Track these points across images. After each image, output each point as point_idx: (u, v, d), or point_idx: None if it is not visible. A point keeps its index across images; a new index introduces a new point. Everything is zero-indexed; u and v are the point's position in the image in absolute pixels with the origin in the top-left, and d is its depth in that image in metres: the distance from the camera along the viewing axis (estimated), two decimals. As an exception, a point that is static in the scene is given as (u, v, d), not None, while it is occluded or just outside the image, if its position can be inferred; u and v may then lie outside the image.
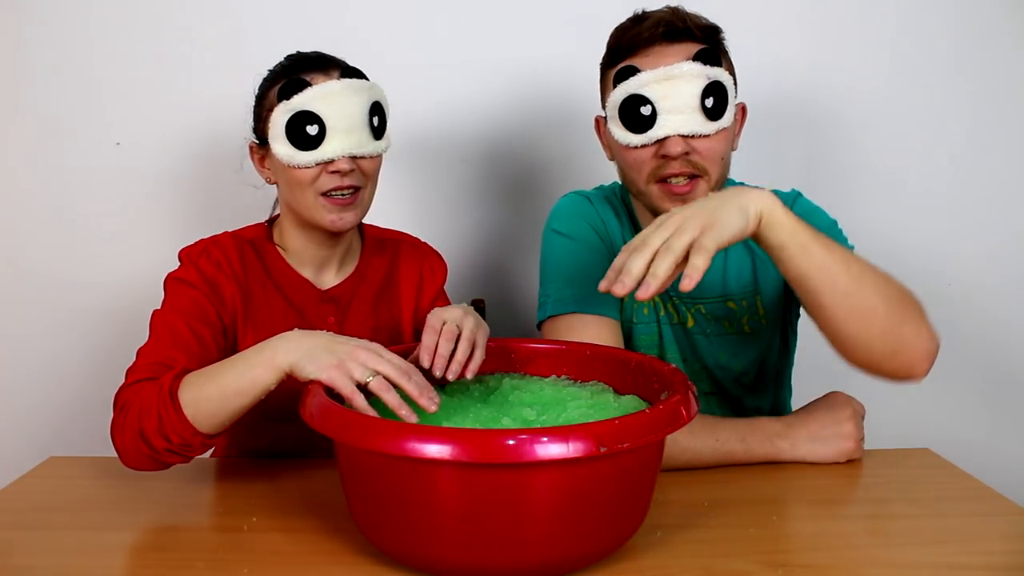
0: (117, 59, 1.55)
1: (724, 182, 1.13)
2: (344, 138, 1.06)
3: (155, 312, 1.06)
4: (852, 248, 1.08)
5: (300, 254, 1.16)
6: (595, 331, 1.14)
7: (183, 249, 1.12)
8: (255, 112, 1.13)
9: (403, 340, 1.21)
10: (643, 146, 1.07)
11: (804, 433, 1.04)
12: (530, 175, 1.62)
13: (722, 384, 1.21)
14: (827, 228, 1.13)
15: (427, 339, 0.94)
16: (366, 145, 1.08)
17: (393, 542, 0.76)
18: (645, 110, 1.06)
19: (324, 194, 1.08)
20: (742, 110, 1.16)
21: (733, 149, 1.15)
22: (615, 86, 1.08)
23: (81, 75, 1.55)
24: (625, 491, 0.76)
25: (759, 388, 1.23)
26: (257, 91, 1.13)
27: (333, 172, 1.07)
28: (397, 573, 0.78)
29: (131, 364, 0.99)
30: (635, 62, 1.07)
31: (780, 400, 1.29)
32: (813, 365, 1.48)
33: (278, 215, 1.19)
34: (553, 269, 1.20)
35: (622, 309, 1.20)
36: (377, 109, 1.10)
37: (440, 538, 0.72)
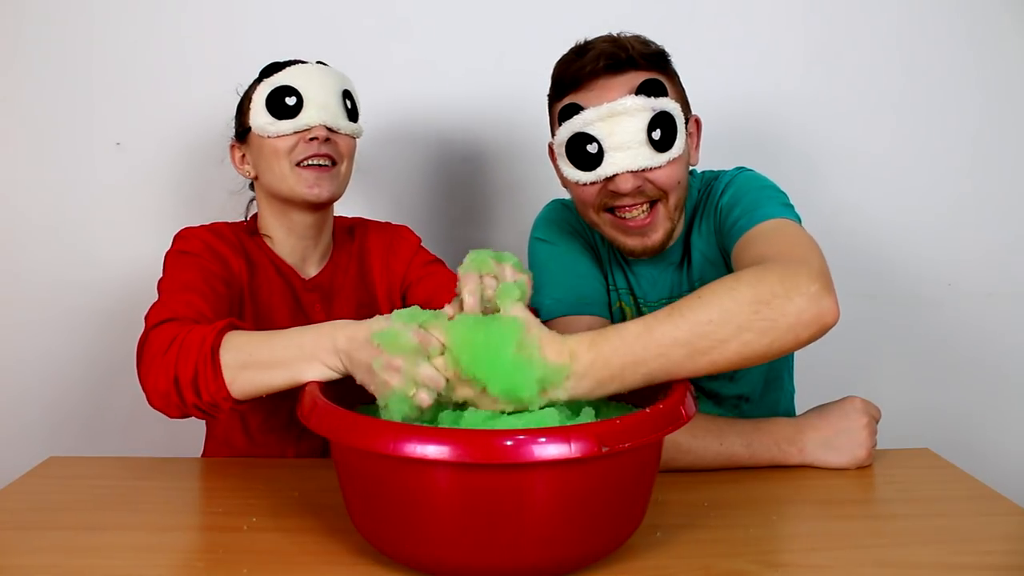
0: (117, 59, 1.55)
1: (685, 200, 1.13)
2: (321, 109, 1.12)
3: (160, 281, 1.05)
4: (799, 220, 1.03)
5: (283, 245, 1.19)
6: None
7: (181, 230, 1.13)
8: (238, 110, 1.18)
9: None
10: (593, 183, 1.07)
11: (816, 438, 1.02)
12: (519, 183, 1.62)
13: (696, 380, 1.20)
14: (758, 189, 1.09)
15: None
16: (341, 120, 1.14)
17: (392, 543, 0.76)
18: (591, 148, 1.04)
19: (300, 164, 1.12)
20: (696, 123, 1.14)
21: (693, 164, 1.14)
22: (560, 123, 1.07)
23: (81, 75, 1.55)
24: (624, 491, 0.76)
25: (737, 376, 1.21)
26: (240, 96, 1.19)
27: (311, 140, 1.12)
28: (396, 574, 0.78)
29: (149, 310, 0.98)
30: (578, 98, 1.06)
31: (772, 385, 1.25)
32: (813, 363, 1.49)
33: (255, 214, 1.23)
34: (541, 276, 1.20)
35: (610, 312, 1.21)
36: (349, 95, 1.17)
37: (439, 539, 0.72)
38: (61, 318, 1.60)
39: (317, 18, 1.55)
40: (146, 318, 0.97)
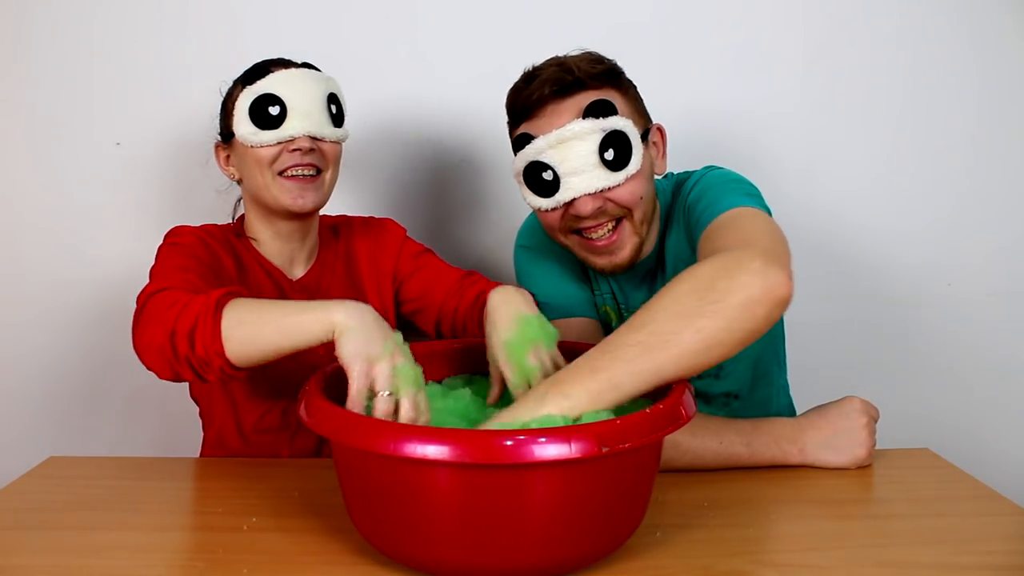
0: (117, 59, 1.55)
1: (651, 212, 1.12)
2: (304, 118, 1.11)
3: (152, 268, 1.05)
4: (770, 212, 1.02)
5: (269, 248, 1.19)
6: (581, 332, 1.15)
7: (173, 227, 1.13)
8: (221, 111, 1.18)
9: None
10: (553, 209, 1.07)
11: (816, 438, 1.02)
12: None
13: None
14: (722, 183, 1.08)
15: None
16: (326, 128, 1.13)
17: (392, 543, 0.76)
18: (547, 175, 1.05)
19: (283, 174, 1.12)
20: (659, 131, 1.13)
21: (659, 173, 1.14)
22: (516, 152, 1.08)
23: (81, 75, 1.55)
24: (624, 491, 0.76)
25: (723, 373, 1.21)
26: (224, 96, 1.18)
27: (294, 151, 1.11)
28: (396, 574, 0.78)
29: (143, 289, 0.97)
30: (529, 127, 1.06)
31: (761, 381, 1.25)
32: (813, 364, 1.49)
33: (242, 216, 1.23)
34: (527, 283, 1.22)
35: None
36: (334, 99, 1.15)
37: (439, 539, 0.72)
38: (62, 318, 1.59)
39: (317, 18, 1.55)
40: (140, 294, 0.97)
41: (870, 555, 0.81)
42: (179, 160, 1.57)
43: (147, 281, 1.00)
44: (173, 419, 1.54)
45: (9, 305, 1.59)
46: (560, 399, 0.78)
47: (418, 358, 1.00)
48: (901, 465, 1.05)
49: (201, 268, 1.04)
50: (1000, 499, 0.94)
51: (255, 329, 0.86)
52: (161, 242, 1.11)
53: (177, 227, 1.14)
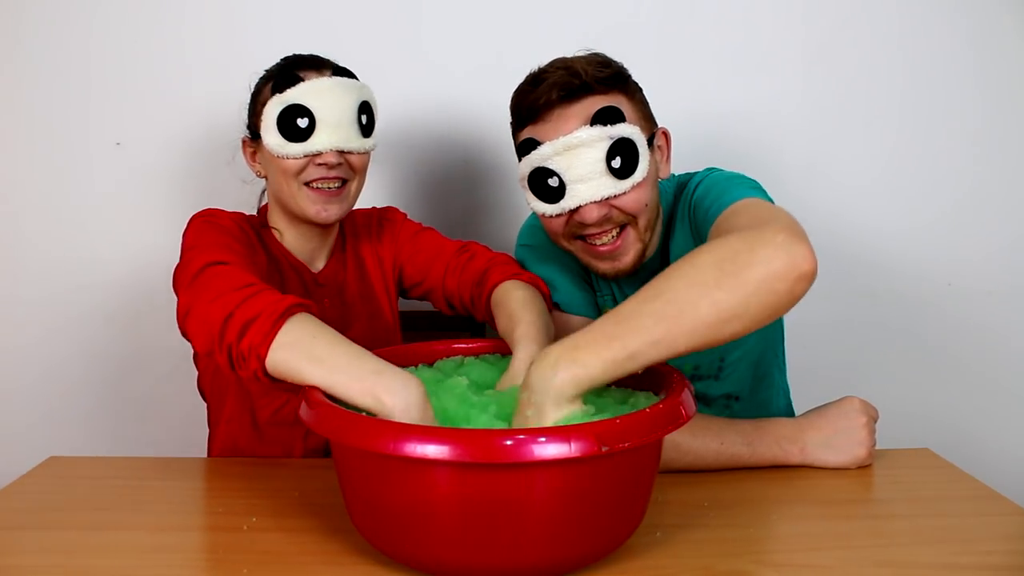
0: (117, 59, 1.55)
1: (655, 218, 1.11)
2: (333, 132, 1.09)
3: (187, 247, 1.02)
4: (771, 200, 1.01)
5: (293, 242, 1.20)
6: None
7: (204, 209, 1.11)
8: (250, 108, 1.16)
9: (381, 309, 1.26)
10: (558, 215, 1.06)
11: (816, 437, 1.02)
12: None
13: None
14: (726, 180, 1.07)
15: None
16: (354, 141, 1.11)
17: (392, 543, 0.76)
18: (552, 182, 1.03)
19: (309, 184, 1.11)
20: (664, 135, 1.12)
21: (663, 177, 1.13)
22: (520, 157, 1.07)
23: (81, 75, 1.55)
24: (624, 491, 0.76)
25: (723, 375, 1.21)
26: (253, 89, 1.16)
27: (320, 164, 1.10)
28: (396, 574, 0.78)
29: (186, 263, 0.95)
30: (535, 132, 1.04)
31: (763, 383, 1.25)
32: (812, 364, 1.49)
33: (265, 205, 1.22)
34: None
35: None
36: (366, 108, 1.13)
37: (439, 539, 0.72)
38: (61, 317, 1.60)
39: (316, 17, 1.55)
40: (188, 264, 0.94)
41: (870, 555, 0.81)
42: (180, 160, 1.58)
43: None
44: (174, 420, 1.54)
45: (8, 305, 1.59)
46: (573, 367, 0.76)
47: (418, 358, 1.01)
48: (901, 465, 1.05)
49: (243, 252, 1.03)
50: (1000, 499, 0.94)
51: (303, 359, 0.82)
52: (191, 222, 1.08)
53: (211, 208, 1.12)
